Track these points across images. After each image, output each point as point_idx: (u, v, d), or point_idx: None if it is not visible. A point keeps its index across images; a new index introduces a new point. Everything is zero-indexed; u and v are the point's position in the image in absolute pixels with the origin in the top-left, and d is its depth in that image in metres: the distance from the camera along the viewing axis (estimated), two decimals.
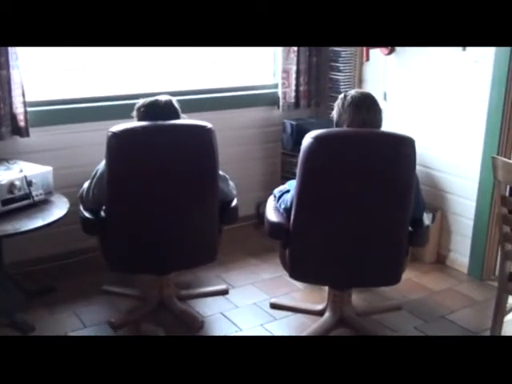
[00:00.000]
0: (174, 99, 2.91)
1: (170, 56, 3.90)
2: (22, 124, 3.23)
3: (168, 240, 2.89)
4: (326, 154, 2.64)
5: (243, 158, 4.13)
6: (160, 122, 2.78)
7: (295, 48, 4.02)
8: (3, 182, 2.86)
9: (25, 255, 3.38)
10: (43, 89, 3.49)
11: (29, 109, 3.25)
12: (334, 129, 2.81)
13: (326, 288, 3.09)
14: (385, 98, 3.92)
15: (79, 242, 3.45)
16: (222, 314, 3.15)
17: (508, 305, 2.80)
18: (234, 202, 3.10)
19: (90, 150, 3.44)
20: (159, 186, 2.80)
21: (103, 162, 2.81)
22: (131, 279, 3.33)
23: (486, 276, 3.59)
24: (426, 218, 2.98)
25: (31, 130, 3.27)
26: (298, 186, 2.68)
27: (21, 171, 3.02)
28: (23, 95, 3.20)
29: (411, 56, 3.78)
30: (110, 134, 2.72)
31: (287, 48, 4.01)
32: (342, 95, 2.82)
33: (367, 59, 3.93)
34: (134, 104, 2.93)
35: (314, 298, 3.30)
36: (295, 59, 4.05)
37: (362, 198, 2.67)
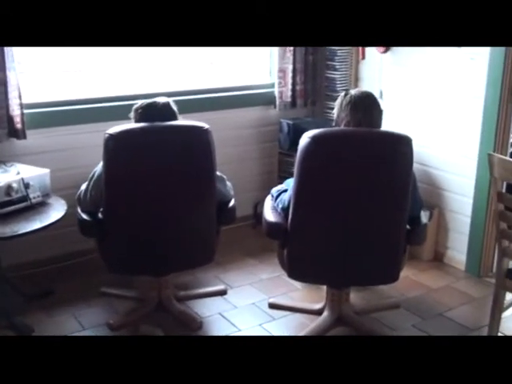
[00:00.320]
0: (172, 101, 2.92)
1: (167, 57, 3.90)
2: (18, 126, 3.23)
3: (166, 241, 2.89)
4: (323, 153, 2.64)
5: (240, 158, 4.14)
6: (157, 123, 2.78)
7: (291, 47, 4.02)
8: (0, 185, 2.86)
9: (22, 258, 3.38)
10: (40, 91, 3.49)
11: (25, 111, 3.25)
12: (332, 128, 2.82)
13: (324, 287, 3.09)
14: (381, 96, 3.92)
15: (77, 244, 3.44)
16: (220, 314, 3.15)
17: (505, 301, 2.81)
18: (232, 203, 3.11)
19: (87, 151, 3.43)
20: (156, 187, 2.80)
21: (100, 164, 2.81)
22: (129, 281, 3.32)
23: (483, 273, 3.60)
24: (424, 216, 2.99)
25: (28, 132, 3.27)
26: (295, 185, 2.69)
27: (18, 173, 3.01)
28: (20, 97, 3.19)
29: (407, 54, 3.79)
30: (107, 135, 2.72)
31: (283, 47, 4.01)
32: (342, 93, 2.83)
33: (363, 57, 3.93)
34: (130, 105, 2.93)
35: (312, 297, 3.30)
36: (291, 58, 4.05)
37: (359, 197, 2.67)
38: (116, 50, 3.67)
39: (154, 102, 2.86)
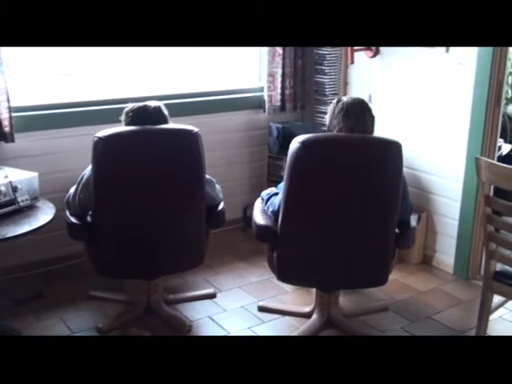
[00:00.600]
0: (163, 105, 2.92)
1: (156, 60, 3.90)
2: (7, 129, 3.22)
3: (155, 244, 2.89)
4: (313, 158, 2.65)
5: (230, 162, 4.14)
6: (146, 127, 2.78)
7: (280, 51, 4.04)
8: None
9: (11, 261, 3.36)
10: (29, 94, 3.48)
11: (14, 114, 3.24)
12: (321, 134, 2.84)
13: (314, 290, 3.10)
14: (370, 100, 3.94)
15: (66, 248, 3.43)
16: (209, 317, 3.15)
17: (493, 304, 2.83)
18: (221, 206, 3.11)
19: (75, 155, 3.42)
20: (146, 190, 2.80)
21: (89, 167, 2.81)
22: (118, 284, 3.31)
23: (471, 275, 3.62)
24: (413, 220, 3.01)
25: (16, 136, 3.25)
26: (285, 190, 2.70)
27: (6, 177, 3.00)
28: (8, 100, 3.18)
29: (395, 58, 3.81)
30: (96, 139, 2.71)
31: (272, 51, 4.03)
32: (335, 100, 2.83)
33: (352, 62, 3.95)
34: (119, 109, 2.93)
35: (301, 300, 3.31)
36: (281, 62, 4.07)
37: (349, 201, 2.69)
38: (105, 54, 3.67)
39: (145, 106, 2.86)
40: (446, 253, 3.72)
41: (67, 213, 2.95)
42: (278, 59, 4.06)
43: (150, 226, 2.85)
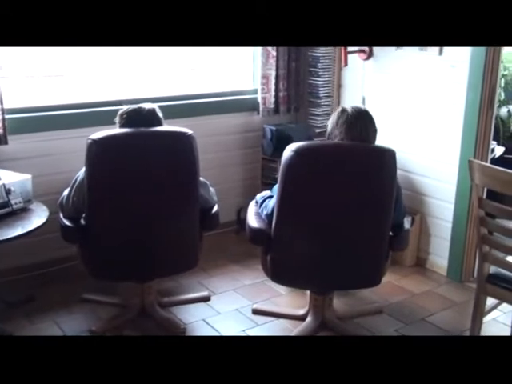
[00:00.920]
0: (158, 108, 2.91)
1: (150, 62, 3.89)
2: (0, 131, 3.20)
3: (149, 247, 2.88)
4: (306, 166, 2.65)
5: (223, 164, 4.14)
6: (140, 129, 2.78)
7: (274, 53, 4.04)
8: None
9: (4, 264, 3.34)
10: (22, 96, 3.46)
11: (7, 116, 3.22)
12: (315, 141, 2.83)
13: (308, 293, 3.10)
14: (363, 103, 3.95)
15: (59, 251, 3.41)
16: (203, 320, 3.14)
17: (486, 306, 2.84)
18: (215, 208, 3.11)
19: (69, 157, 3.41)
20: (139, 192, 2.79)
21: (83, 170, 2.80)
22: (112, 287, 3.30)
23: (464, 278, 3.63)
24: (406, 222, 3.02)
25: (10, 138, 3.24)
26: (278, 196, 2.70)
27: None
28: (1, 102, 3.16)
29: (389, 61, 3.82)
30: (89, 141, 2.71)
31: (266, 53, 4.03)
32: (339, 110, 2.77)
33: (346, 64, 3.96)
34: (113, 111, 2.92)
35: (295, 302, 3.31)
36: (274, 64, 4.07)
37: (343, 208, 2.69)
38: (99, 55, 3.66)
39: (140, 108, 2.86)
40: (440, 255, 3.73)
41: (61, 215, 2.94)
42: (272, 61, 4.06)
43: (143, 229, 2.84)
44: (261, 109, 4.14)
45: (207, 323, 3.12)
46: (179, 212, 2.88)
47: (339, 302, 3.26)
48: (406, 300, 3.42)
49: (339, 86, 4.19)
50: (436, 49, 3.50)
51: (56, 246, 3.31)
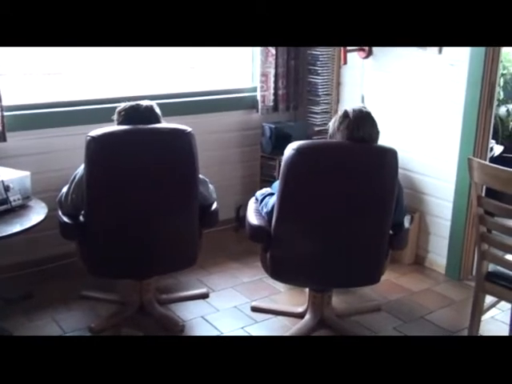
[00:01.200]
0: (156, 105, 2.91)
1: (149, 60, 3.89)
2: None
3: (148, 244, 2.88)
4: (307, 165, 2.65)
5: (223, 162, 4.14)
6: (139, 126, 2.78)
7: (273, 51, 4.04)
8: None
9: (2, 261, 3.34)
10: (20, 93, 3.46)
11: (6, 113, 3.22)
12: (316, 140, 2.82)
13: (307, 290, 3.10)
14: (362, 101, 3.95)
15: (58, 247, 3.41)
16: (202, 317, 3.14)
17: (485, 304, 2.84)
18: (214, 206, 3.11)
19: (68, 154, 3.41)
20: (138, 190, 2.79)
21: (82, 167, 2.80)
22: (111, 284, 3.30)
23: (463, 276, 3.64)
24: (406, 221, 3.02)
25: (8, 135, 3.24)
26: (279, 194, 2.70)
27: None
28: (0, 99, 3.16)
29: (388, 59, 3.82)
30: (88, 138, 2.70)
31: (265, 51, 4.03)
32: (343, 112, 2.72)
33: (345, 63, 3.96)
34: (111, 108, 2.92)
35: (294, 300, 3.31)
36: (274, 63, 4.07)
37: (343, 206, 2.69)
38: (97, 53, 3.65)
39: (138, 105, 2.85)
40: (439, 253, 3.73)
41: (59, 212, 2.94)
42: (271, 59, 4.06)
43: (142, 226, 2.84)
44: (260, 107, 4.14)
45: (206, 320, 3.12)
46: (178, 209, 2.88)
47: (338, 300, 3.26)
48: (404, 298, 3.42)
49: (338, 84, 4.19)
50: (435, 47, 3.50)
51: (54, 243, 3.31)
